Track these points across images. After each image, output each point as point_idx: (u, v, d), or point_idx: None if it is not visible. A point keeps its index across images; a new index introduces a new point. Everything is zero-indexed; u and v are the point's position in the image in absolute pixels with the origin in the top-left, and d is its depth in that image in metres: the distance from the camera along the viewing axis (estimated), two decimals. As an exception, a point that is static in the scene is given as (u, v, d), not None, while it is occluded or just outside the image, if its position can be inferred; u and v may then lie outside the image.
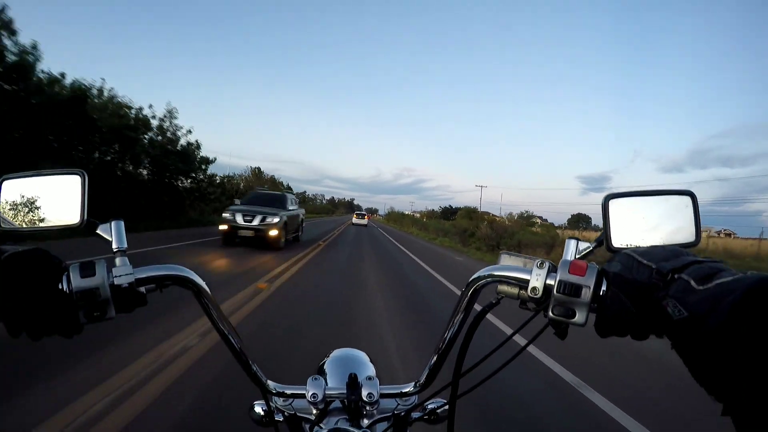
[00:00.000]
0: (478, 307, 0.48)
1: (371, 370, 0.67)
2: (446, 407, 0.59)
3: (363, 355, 0.72)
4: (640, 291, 0.35)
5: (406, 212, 78.79)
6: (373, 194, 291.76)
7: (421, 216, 63.02)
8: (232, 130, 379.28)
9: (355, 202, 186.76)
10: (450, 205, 63.83)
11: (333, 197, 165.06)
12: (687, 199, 0.46)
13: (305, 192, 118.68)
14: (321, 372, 0.67)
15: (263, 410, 0.63)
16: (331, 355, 0.72)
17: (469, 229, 24.23)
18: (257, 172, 40.01)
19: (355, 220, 35.47)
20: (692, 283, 0.32)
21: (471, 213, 50.06)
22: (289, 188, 40.85)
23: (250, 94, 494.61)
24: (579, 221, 62.49)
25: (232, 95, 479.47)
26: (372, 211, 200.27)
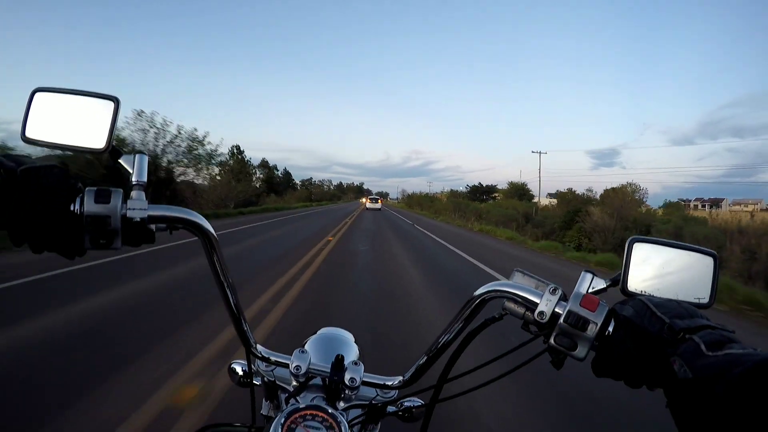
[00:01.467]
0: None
1: (356, 353, 0.69)
2: (422, 408, 0.61)
3: (350, 337, 0.74)
4: (647, 341, 0.37)
5: (434, 193, 67.07)
6: (383, 178, 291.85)
7: (442, 197, 54.85)
8: (238, 119, 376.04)
9: (365, 186, 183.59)
10: (480, 183, 57.16)
11: (341, 182, 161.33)
12: (709, 260, 0.47)
13: (311, 178, 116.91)
14: (306, 347, 0.68)
15: (243, 370, 0.67)
16: (318, 332, 0.73)
17: (562, 221, 18.29)
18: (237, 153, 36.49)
19: (369, 205, 37.37)
20: (702, 347, 0.34)
21: (520, 190, 44.09)
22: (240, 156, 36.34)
23: (255, 83, 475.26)
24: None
25: (236, 84, 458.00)
26: (383, 195, 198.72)
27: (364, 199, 51.26)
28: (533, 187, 45.47)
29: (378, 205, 37.09)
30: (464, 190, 58.06)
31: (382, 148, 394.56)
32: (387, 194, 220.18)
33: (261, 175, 41.41)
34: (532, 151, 39.23)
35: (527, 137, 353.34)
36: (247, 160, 35.63)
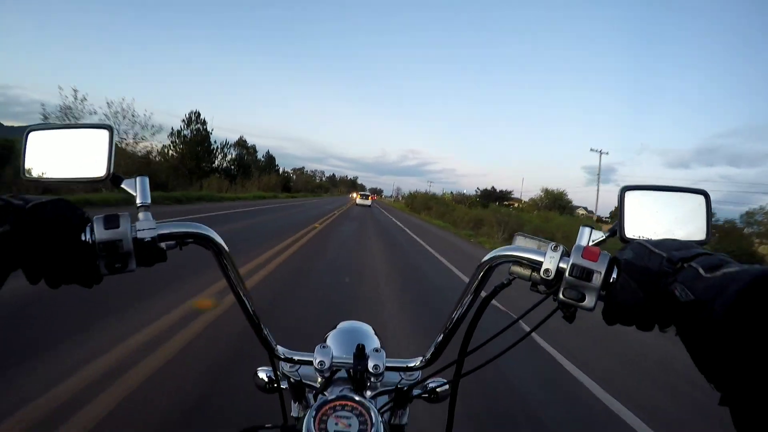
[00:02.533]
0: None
1: (377, 342, 0.72)
2: (447, 387, 0.65)
3: (369, 329, 0.77)
4: (650, 277, 0.39)
5: (442, 193, 56.84)
6: (378, 175, 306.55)
7: (448, 199, 45.76)
8: (235, 105, 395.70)
9: (359, 182, 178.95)
10: (493, 187, 50.89)
11: (334, 174, 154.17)
12: (701, 198, 0.50)
13: (303, 168, 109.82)
14: (327, 342, 0.71)
15: (267, 376, 0.70)
16: (338, 326, 0.76)
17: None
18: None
19: (359, 200, 36.87)
20: (701, 270, 0.36)
21: (557, 200, 37.96)
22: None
23: (253, 69, 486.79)
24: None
25: (235, 70, 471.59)
26: (377, 192, 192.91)
27: (354, 194, 47.81)
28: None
29: (368, 202, 36.75)
30: (474, 193, 51.82)
31: (379, 145, 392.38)
32: (381, 191, 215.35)
33: (232, 155, 35.14)
34: (591, 149, 31.22)
35: (522, 149, 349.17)
36: (210, 132, 29.24)
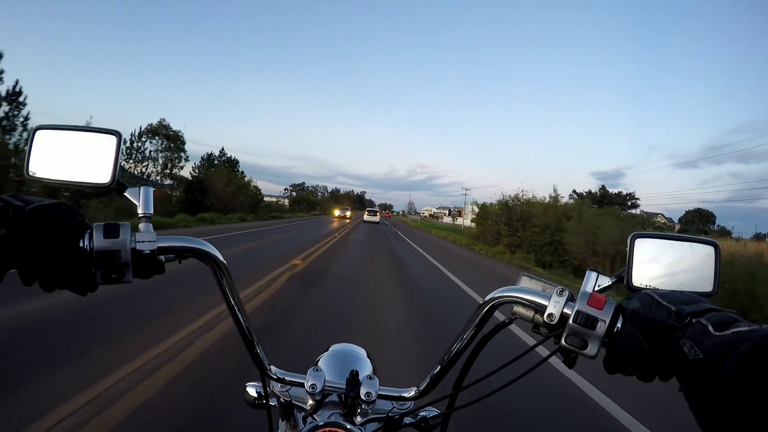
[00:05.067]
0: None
1: (370, 367, 0.76)
2: (439, 418, 0.69)
3: (363, 352, 0.81)
4: (656, 330, 0.42)
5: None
6: (387, 190, 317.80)
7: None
8: (244, 126, 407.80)
9: (367, 197, 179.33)
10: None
11: (337, 189, 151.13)
12: (710, 249, 0.53)
13: (303, 183, 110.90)
14: (320, 365, 0.75)
15: (257, 392, 0.75)
16: (330, 348, 0.81)
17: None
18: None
19: (366, 217, 37.22)
20: (710, 328, 0.38)
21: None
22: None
23: (261, 91, 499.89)
24: (698, 219, 46.11)
25: (243, 92, 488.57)
26: (387, 208, 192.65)
27: (348, 213, 43.85)
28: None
29: (376, 219, 37.56)
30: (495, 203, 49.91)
31: (388, 161, 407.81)
32: (391, 206, 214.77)
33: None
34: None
35: (532, 157, 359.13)
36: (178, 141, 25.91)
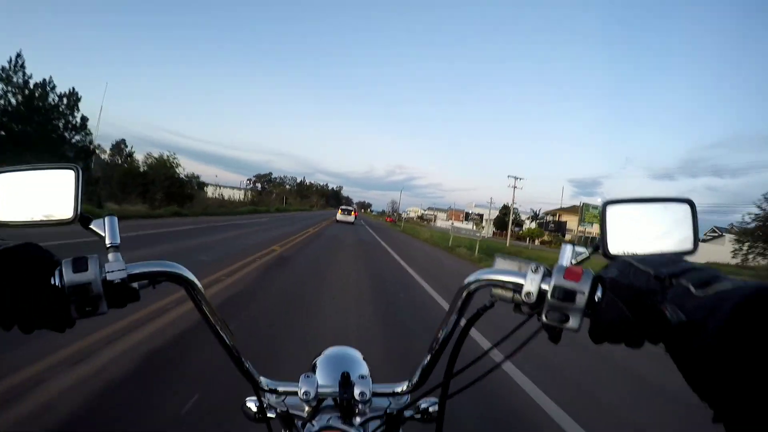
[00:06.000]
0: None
1: (364, 368, 0.78)
2: (437, 407, 0.70)
3: (356, 354, 0.83)
4: (637, 296, 0.41)
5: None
6: (366, 189, 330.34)
7: (454, 217, 40.15)
8: (221, 120, 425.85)
9: (344, 194, 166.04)
10: (512, 207, 47.86)
11: (305, 180, 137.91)
12: (686, 207, 0.53)
13: (270, 174, 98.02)
14: (314, 370, 0.77)
15: (256, 406, 0.74)
16: (323, 353, 0.82)
17: None
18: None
19: (339, 216, 35.19)
20: (691, 288, 0.38)
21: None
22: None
23: (240, 85, 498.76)
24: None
25: (221, 86, 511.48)
26: (365, 206, 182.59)
27: (351, 216, 37.26)
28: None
29: (351, 218, 35.57)
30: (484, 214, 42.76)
31: (367, 160, 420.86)
32: (369, 205, 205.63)
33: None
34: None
35: (509, 161, 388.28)
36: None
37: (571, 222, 67.39)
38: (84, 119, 22.47)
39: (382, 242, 19.09)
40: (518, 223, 77.86)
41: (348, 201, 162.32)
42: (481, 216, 77.85)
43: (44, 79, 20.51)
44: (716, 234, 48.23)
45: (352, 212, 36.79)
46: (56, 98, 21.19)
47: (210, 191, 51.82)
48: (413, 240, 27.07)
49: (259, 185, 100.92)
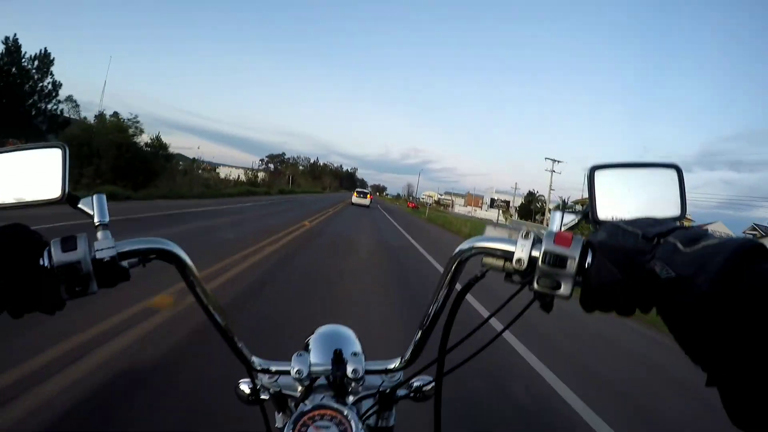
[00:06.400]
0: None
1: (357, 346, 0.77)
2: (432, 384, 0.70)
3: (349, 332, 0.82)
4: (626, 256, 0.41)
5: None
6: (380, 172, 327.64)
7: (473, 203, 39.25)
8: (237, 101, 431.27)
9: (359, 176, 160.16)
10: (549, 193, 45.28)
11: (319, 161, 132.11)
12: (673, 173, 0.53)
13: (283, 154, 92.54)
14: (306, 349, 0.76)
15: (249, 388, 0.74)
16: (316, 331, 0.81)
17: None
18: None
19: (355, 199, 35.13)
20: (679, 245, 0.38)
21: None
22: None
23: (257, 65, 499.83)
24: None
25: (240, 66, 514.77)
26: (380, 189, 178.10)
27: (367, 199, 37.05)
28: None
29: (366, 201, 35.46)
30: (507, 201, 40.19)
31: (383, 143, 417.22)
32: (384, 188, 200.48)
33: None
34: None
35: (526, 149, 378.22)
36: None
37: None
38: (56, 85, 18.41)
39: (415, 244, 13.01)
40: (543, 212, 71.31)
41: (363, 183, 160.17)
42: (507, 203, 70.73)
43: (6, 36, 17.97)
44: (756, 233, 46.39)
45: (368, 195, 37.11)
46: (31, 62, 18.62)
47: (223, 172, 46.92)
48: (452, 236, 19.65)
49: (271, 165, 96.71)
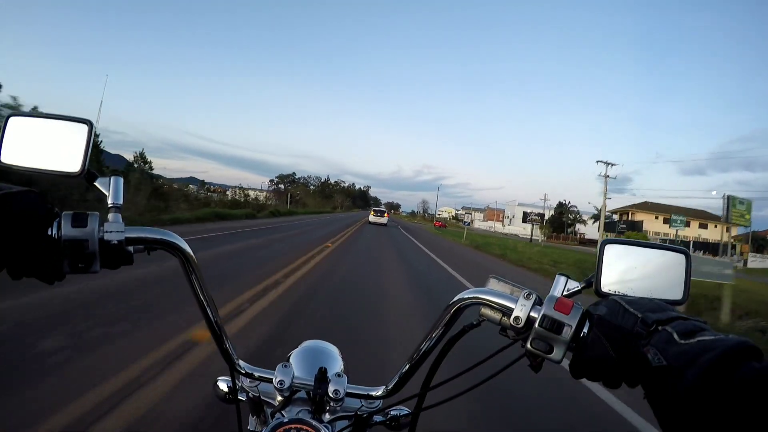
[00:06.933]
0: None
1: (340, 365, 0.78)
2: (408, 417, 0.70)
3: (335, 350, 0.83)
4: (622, 337, 0.43)
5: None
6: (393, 190, 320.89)
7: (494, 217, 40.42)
8: (248, 124, 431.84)
9: (371, 193, 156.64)
10: (604, 203, 37.72)
11: (329, 179, 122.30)
12: (681, 258, 0.55)
13: (293, 174, 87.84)
14: (290, 361, 0.77)
15: (228, 387, 0.75)
16: (302, 345, 0.82)
17: None
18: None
19: (372, 218, 34.76)
20: (675, 336, 0.39)
21: None
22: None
23: (267, 87, 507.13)
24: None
25: (249, 89, 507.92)
26: (394, 207, 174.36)
27: (384, 218, 36.85)
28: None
29: (384, 220, 35.16)
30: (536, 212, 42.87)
31: (395, 161, 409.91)
32: (398, 205, 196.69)
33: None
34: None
35: (535, 161, 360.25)
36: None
37: (648, 222, 53.89)
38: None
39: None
40: (569, 224, 64.06)
41: (376, 202, 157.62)
42: (542, 216, 63.68)
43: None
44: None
45: (385, 214, 36.97)
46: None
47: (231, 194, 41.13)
48: (530, 273, 14.21)
49: (282, 186, 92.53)
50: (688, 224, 40.00)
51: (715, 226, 56.30)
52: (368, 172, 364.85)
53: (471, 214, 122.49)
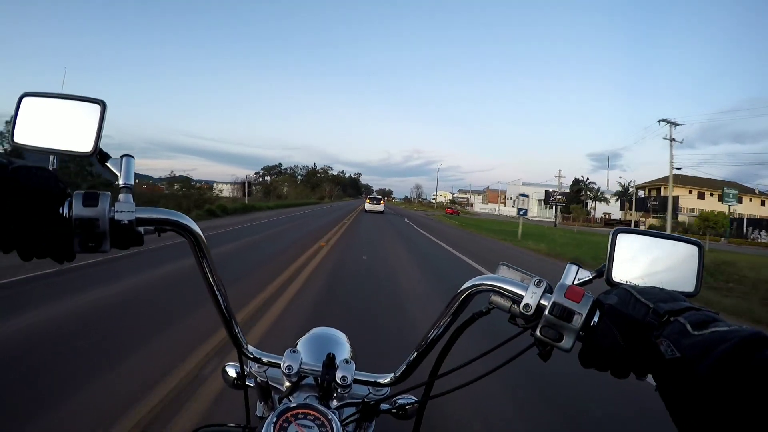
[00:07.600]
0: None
1: (348, 352, 0.79)
2: (416, 405, 0.71)
3: (343, 337, 0.83)
4: (633, 327, 0.43)
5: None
6: (384, 177, 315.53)
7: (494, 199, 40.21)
8: (236, 117, 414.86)
9: (362, 180, 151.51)
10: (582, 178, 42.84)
11: (316, 167, 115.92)
12: (694, 249, 0.54)
13: (280, 165, 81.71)
14: (299, 347, 0.77)
15: (236, 372, 0.76)
16: (311, 332, 0.82)
17: None
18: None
19: (368, 206, 34.48)
20: (688, 326, 0.39)
21: None
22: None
23: (254, 79, 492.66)
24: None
25: (235, 82, 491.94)
26: (386, 193, 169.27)
27: (381, 205, 36.75)
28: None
29: (380, 207, 34.79)
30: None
31: (384, 147, 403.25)
32: (390, 192, 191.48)
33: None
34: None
35: (525, 140, 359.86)
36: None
37: (684, 198, 47.95)
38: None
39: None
40: (584, 203, 57.81)
41: (368, 189, 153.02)
42: (565, 196, 56.35)
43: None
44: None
45: (381, 201, 36.63)
46: None
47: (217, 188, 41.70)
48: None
49: (268, 178, 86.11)
50: (740, 200, 35.22)
51: (750, 200, 51.13)
52: (358, 161, 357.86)
53: (469, 196, 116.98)
